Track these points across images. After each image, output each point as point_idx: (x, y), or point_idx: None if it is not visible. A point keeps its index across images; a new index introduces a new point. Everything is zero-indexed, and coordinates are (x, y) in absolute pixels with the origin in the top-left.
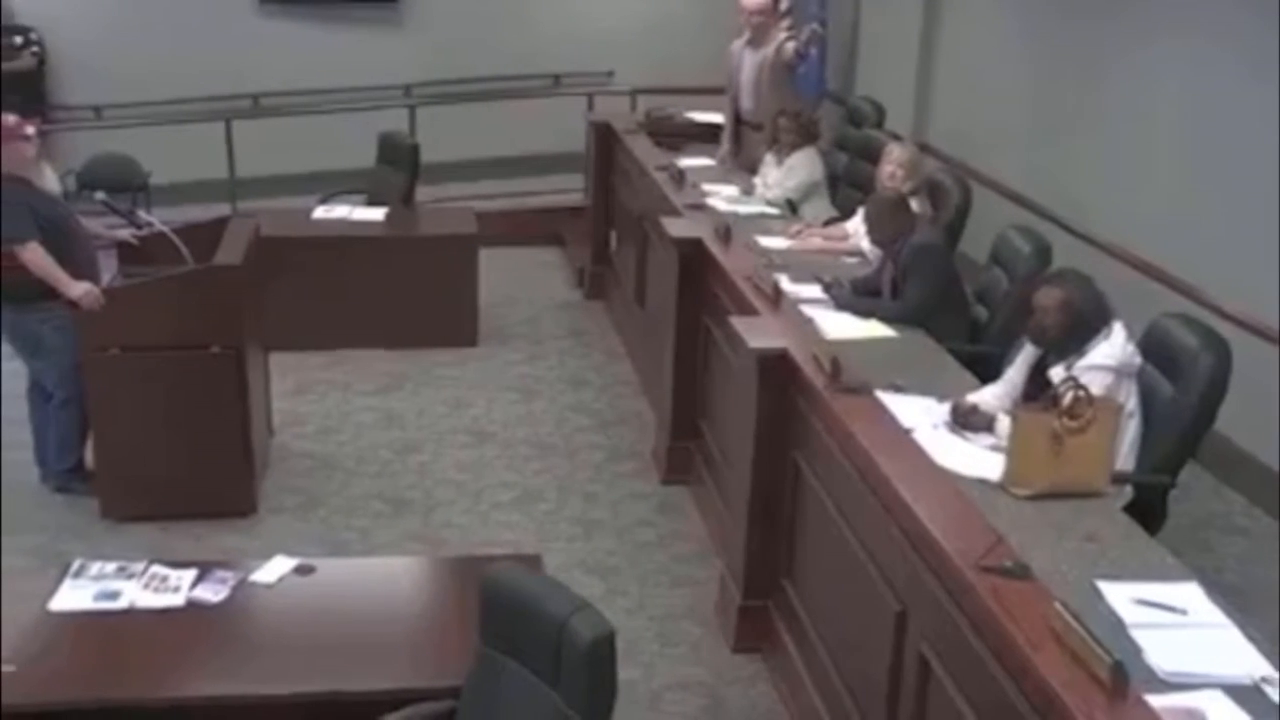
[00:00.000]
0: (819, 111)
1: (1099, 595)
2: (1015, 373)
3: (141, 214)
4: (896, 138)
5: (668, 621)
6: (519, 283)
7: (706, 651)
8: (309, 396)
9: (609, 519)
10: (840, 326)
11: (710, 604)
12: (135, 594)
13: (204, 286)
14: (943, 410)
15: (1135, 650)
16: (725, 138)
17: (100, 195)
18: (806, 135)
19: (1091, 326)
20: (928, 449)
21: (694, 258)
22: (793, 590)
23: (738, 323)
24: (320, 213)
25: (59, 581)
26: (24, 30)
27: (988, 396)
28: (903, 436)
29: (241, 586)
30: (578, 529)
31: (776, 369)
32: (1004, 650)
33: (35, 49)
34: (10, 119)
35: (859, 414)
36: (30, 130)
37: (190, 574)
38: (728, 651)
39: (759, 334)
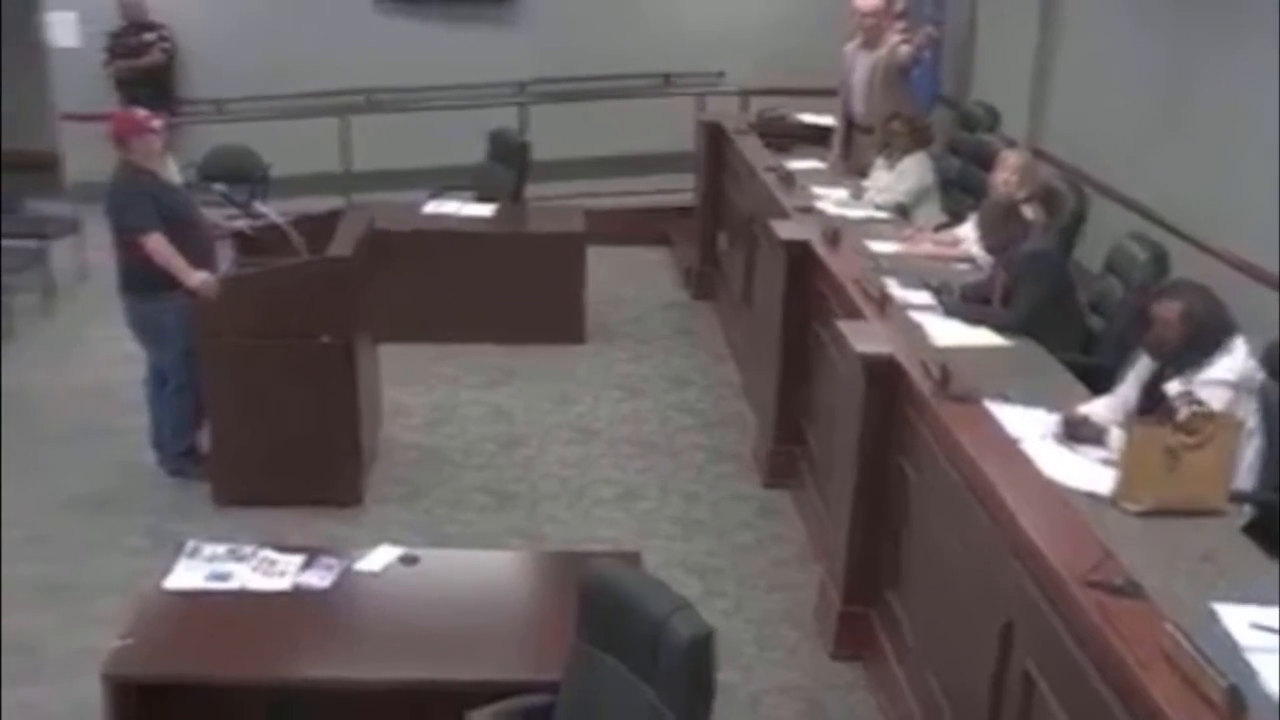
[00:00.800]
0: (932, 115)
1: (1214, 618)
2: (1129, 385)
3: (258, 205)
4: (1010, 143)
5: (766, 625)
6: (626, 281)
7: (805, 657)
8: (417, 388)
9: (709, 519)
10: (949, 333)
11: (809, 609)
12: (245, 576)
13: (316, 277)
14: (1052, 421)
15: (1250, 675)
16: (836, 141)
17: (220, 186)
18: (918, 140)
19: (1213, 339)
20: (1036, 460)
21: (802, 260)
22: (894, 598)
23: (844, 326)
24: (431, 207)
25: (174, 561)
26: (155, 26)
27: (1099, 408)
28: (1011, 446)
29: (347, 574)
30: (678, 528)
31: (883, 374)
32: (1111, 668)
33: (165, 45)
34: (141, 113)
35: (966, 422)
36: (157, 125)
37: (298, 559)
38: (826, 657)
39: (866, 338)
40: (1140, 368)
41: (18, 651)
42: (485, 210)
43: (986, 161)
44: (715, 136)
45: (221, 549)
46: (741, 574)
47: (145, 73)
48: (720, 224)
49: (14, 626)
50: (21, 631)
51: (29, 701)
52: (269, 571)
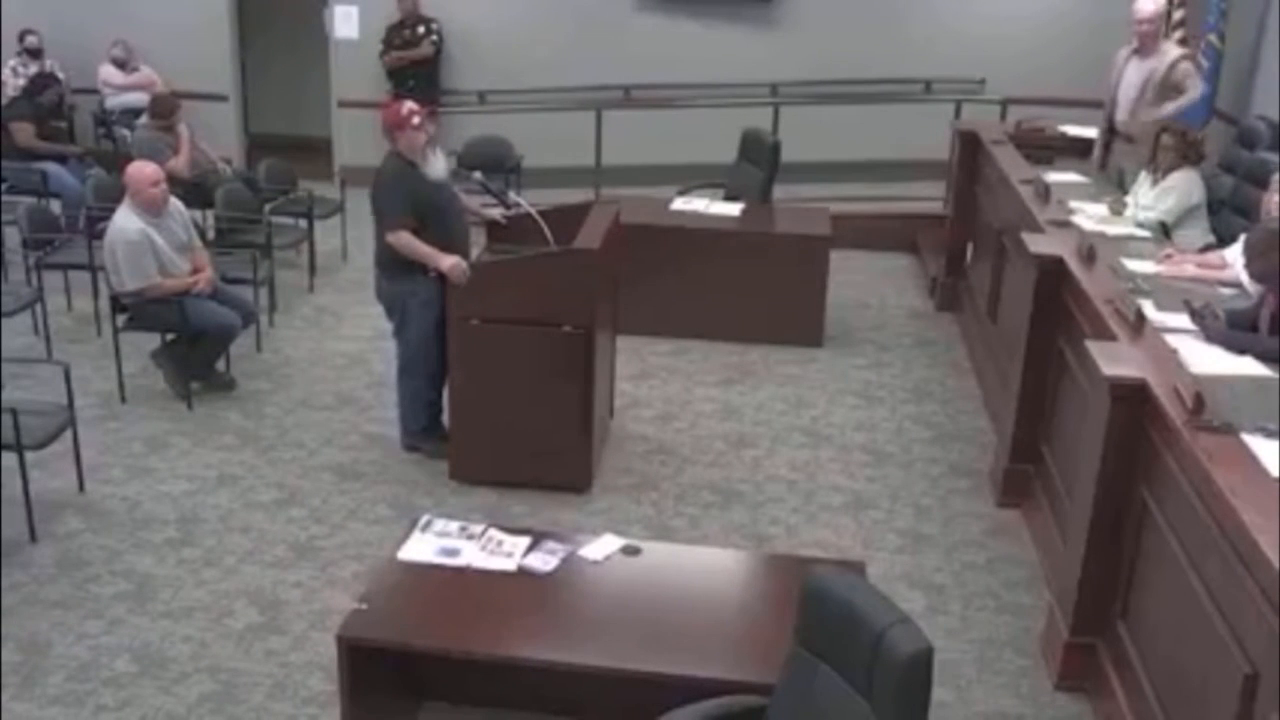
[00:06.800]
0: (1206, 130)
1: None
2: None
3: (512, 194)
4: None
5: (989, 647)
6: (869, 288)
7: (1027, 684)
8: (651, 382)
9: (938, 535)
10: (1208, 360)
11: (1035, 635)
12: (473, 554)
13: (563, 268)
14: None
15: None
16: (1097, 147)
17: (477, 175)
18: (1188, 156)
19: None
20: None
21: (1052, 276)
22: (1126, 632)
23: (1093, 347)
24: (679, 204)
25: (409, 533)
26: (427, 20)
27: None
28: (1269, 485)
29: (570, 559)
30: (906, 541)
31: (1131, 399)
32: None
33: (434, 38)
34: (409, 108)
35: (1221, 456)
36: (418, 120)
37: (524, 541)
38: (1049, 687)
39: (1115, 361)
40: None
41: (270, 604)
42: (732, 209)
43: (1263, 181)
44: (970, 145)
45: (453, 526)
46: (968, 593)
47: (415, 64)
48: (970, 235)
49: (267, 580)
50: (275, 586)
51: (272, 649)
52: (495, 551)
